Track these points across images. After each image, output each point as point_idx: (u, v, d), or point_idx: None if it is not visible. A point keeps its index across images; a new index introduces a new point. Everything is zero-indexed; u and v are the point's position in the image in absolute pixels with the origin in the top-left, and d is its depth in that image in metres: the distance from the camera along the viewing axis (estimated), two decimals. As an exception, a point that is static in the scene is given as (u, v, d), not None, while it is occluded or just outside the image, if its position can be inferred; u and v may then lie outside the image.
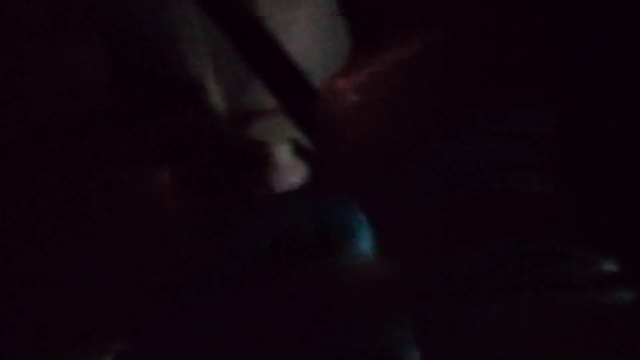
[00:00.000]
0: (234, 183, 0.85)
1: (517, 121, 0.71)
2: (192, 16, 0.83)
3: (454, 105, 0.77)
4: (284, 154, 0.88)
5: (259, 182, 0.86)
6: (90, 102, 0.82)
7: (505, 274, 0.57)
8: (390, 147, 0.75)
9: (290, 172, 0.88)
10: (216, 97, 0.86)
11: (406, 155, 0.73)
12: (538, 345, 0.54)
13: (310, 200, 0.76)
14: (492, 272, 0.59)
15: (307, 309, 0.61)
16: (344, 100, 0.85)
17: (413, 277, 0.58)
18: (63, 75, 0.81)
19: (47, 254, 0.69)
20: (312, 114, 0.83)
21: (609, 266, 0.58)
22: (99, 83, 0.82)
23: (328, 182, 0.82)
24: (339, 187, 0.76)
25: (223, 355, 0.60)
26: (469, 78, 0.78)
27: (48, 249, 0.71)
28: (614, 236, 0.63)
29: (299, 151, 0.88)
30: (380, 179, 0.70)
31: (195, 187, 0.84)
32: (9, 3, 0.79)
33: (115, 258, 0.71)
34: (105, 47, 0.82)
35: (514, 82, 0.78)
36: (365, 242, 0.68)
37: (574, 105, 0.76)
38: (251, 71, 0.86)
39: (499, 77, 0.79)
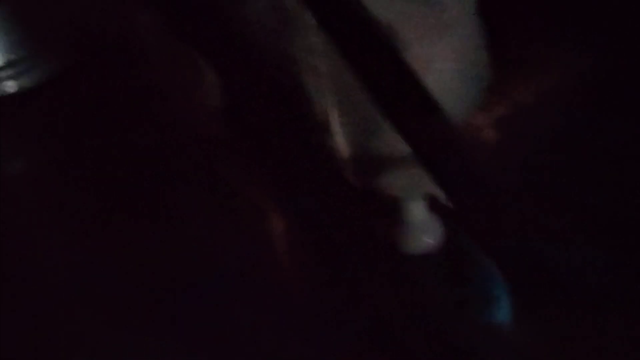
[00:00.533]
0: (356, 239, 0.73)
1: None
2: (317, 47, 0.73)
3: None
4: (417, 211, 0.73)
5: (386, 240, 0.73)
6: (210, 130, 0.76)
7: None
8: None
9: (424, 231, 0.73)
10: (340, 140, 0.74)
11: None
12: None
13: (449, 262, 0.71)
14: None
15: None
16: (483, 137, 0.70)
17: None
18: (184, 100, 0.77)
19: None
20: (449, 159, 0.67)
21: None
22: (217, 111, 0.77)
23: (466, 243, 0.68)
24: (479, 248, 0.68)
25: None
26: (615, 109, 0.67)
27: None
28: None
29: (436, 209, 0.73)
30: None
31: (311, 237, 0.74)
32: (135, 33, 0.77)
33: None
34: (225, 75, 0.76)
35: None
36: (503, 309, 0.67)
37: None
38: (382, 112, 0.73)
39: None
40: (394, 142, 0.73)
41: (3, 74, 0.58)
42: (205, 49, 0.76)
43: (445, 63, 0.71)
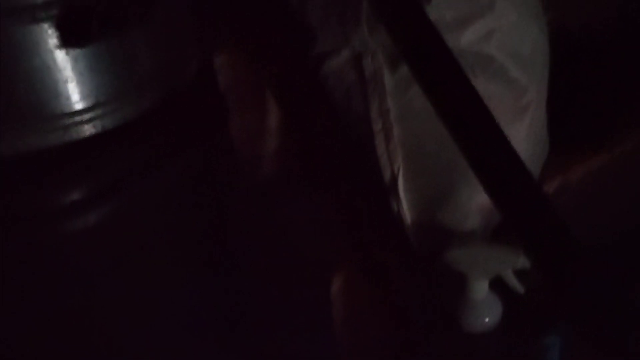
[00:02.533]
0: (418, 307, 0.71)
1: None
2: (391, 112, 0.72)
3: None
4: (480, 290, 0.71)
5: (446, 314, 0.71)
6: (269, 171, 0.76)
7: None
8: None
9: (485, 310, 0.71)
10: (405, 206, 0.73)
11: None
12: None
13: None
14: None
15: None
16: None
17: None
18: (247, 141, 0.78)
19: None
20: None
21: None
22: (277, 154, 0.77)
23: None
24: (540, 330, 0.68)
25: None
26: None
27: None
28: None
29: (501, 290, 0.71)
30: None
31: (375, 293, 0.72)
32: (212, 74, 0.77)
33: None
34: (298, 121, 0.75)
35: None
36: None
37: None
38: (450, 183, 0.72)
39: None
40: (462, 217, 0.72)
41: (87, 116, 0.58)
42: (283, 94, 0.76)
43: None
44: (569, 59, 0.77)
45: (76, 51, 0.56)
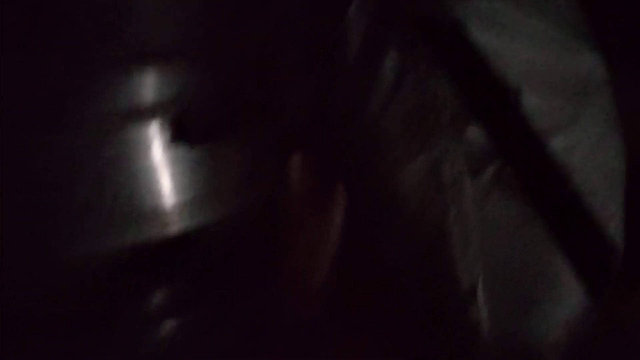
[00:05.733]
0: None
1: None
2: (470, 218, 0.72)
3: None
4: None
5: None
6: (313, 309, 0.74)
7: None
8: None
9: None
10: (484, 316, 0.71)
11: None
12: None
13: None
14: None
15: None
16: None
17: None
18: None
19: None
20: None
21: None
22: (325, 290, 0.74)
23: None
24: None
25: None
26: None
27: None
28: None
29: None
30: None
31: None
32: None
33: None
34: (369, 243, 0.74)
35: None
36: None
37: None
38: (533, 295, 0.70)
39: None
40: (545, 331, 0.70)
41: (183, 210, 0.58)
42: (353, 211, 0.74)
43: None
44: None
45: (181, 150, 0.57)
